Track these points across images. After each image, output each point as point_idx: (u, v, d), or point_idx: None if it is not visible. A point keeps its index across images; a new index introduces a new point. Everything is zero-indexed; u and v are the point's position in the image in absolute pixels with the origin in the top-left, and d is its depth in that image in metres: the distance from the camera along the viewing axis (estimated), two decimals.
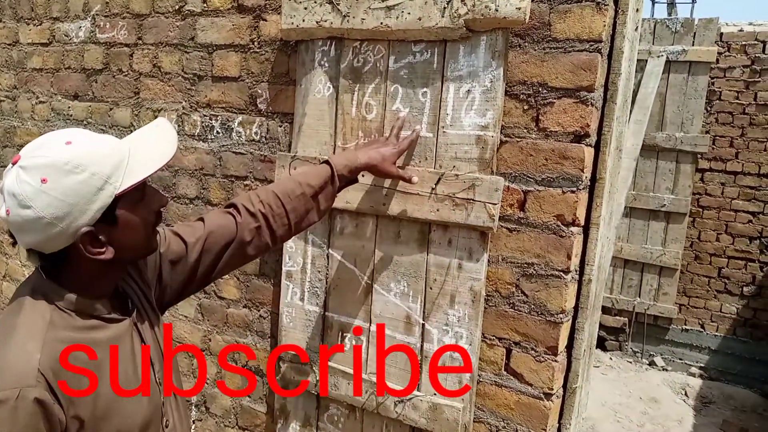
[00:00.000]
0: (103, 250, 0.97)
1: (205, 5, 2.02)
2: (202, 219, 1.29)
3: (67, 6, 2.44)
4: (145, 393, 1.07)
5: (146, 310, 1.16)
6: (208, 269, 1.28)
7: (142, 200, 1.01)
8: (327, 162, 1.39)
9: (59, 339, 0.94)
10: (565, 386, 1.59)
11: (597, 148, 1.53)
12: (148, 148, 1.01)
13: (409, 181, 1.50)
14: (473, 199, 1.49)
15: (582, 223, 1.50)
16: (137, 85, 2.24)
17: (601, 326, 4.95)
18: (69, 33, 2.45)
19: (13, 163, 0.92)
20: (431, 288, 1.58)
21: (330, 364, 1.73)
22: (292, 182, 1.35)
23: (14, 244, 0.97)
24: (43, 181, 0.89)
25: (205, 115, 2.06)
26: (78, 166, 0.91)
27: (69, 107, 2.48)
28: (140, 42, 2.21)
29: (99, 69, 2.36)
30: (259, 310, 2.00)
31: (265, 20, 1.90)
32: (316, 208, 1.37)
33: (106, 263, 0.99)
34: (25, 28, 2.63)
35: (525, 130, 1.51)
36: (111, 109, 2.33)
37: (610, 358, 5.20)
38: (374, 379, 1.65)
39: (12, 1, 2.67)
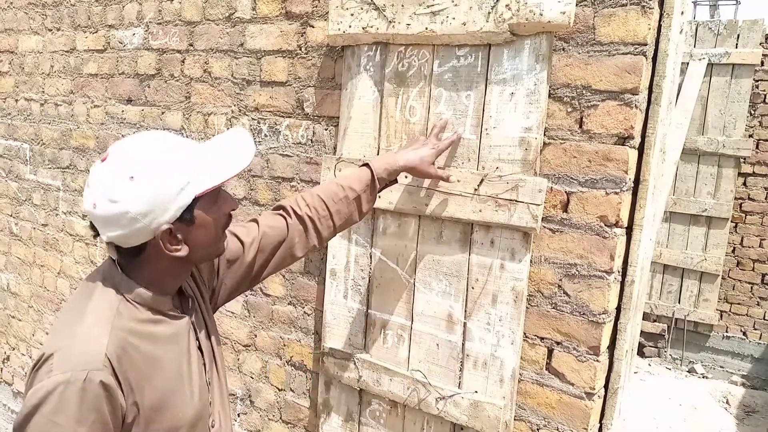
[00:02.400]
0: (179, 247, 1.03)
1: (254, 12, 2.10)
2: (255, 220, 1.35)
3: (122, 14, 2.56)
4: (197, 391, 1.12)
5: (203, 310, 1.22)
6: (260, 269, 1.34)
7: (216, 203, 1.07)
8: (367, 165, 1.44)
9: (125, 328, 1.00)
10: (606, 387, 1.60)
11: (640, 150, 1.54)
12: (227, 154, 1.07)
13: (447, 180, 1.55)
14: (516, 200, 1.52)
15: (625, 224, 1.52)
16: (188, 89, 2.33)
17: (640, 332, 4.88)
18: (123, 40, 2.56)
19: (102, 160, 0.99)
20: (473, 287, 1.62)
21: (372, 360, 1.78)
22: (336, 186, 1.41)
23: (95, 236, 1.03)
24: (132, 178, 0.96)
25: (253, 119, 2.14)
26: (164, 166, 0.98)
27: (123, 111, 2.59)
28: (191, 48, 2.30)
29: (151, 74, 2.46)
30: (303, 307, 2.06)
31: (312, 26, 1.96)
32: (358, 209, 1.43)
33: (178, 261, 1.05)
34: (81, 35, 2.76)
35: (568, 132, 1.53)
36: (163, 113, 2.43)
37: (649, 365, 5.12)
38: (416, 375, 1.69)
39: (70, 10, 2.80)
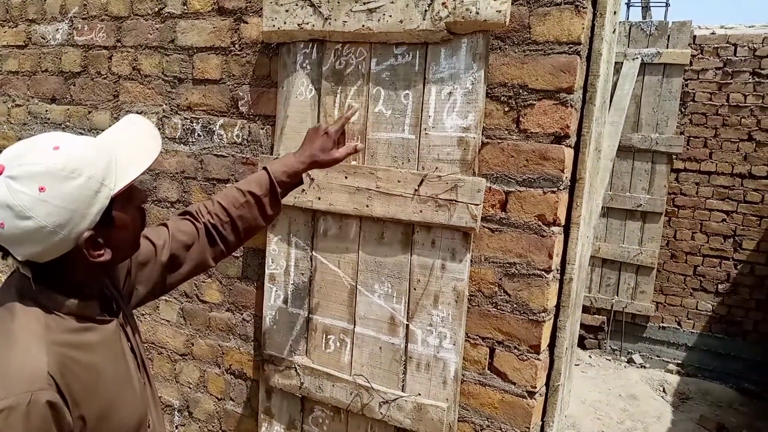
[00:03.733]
0: (102, 251, 0.96)
1: (185, 8, 2.01)
2: (164, 224, 1.30)
3: (44, 8, 2.41)
4: (138, 393, 1.07)
5: (124, 310, 1.15)
6: (173, 273, 1.29)
7: (130, 199, 1.01)
8: (265, 168, 1.41)
9: (59, 342, 0.93)
10: (547, 384, 1.61)
11: (576, 149, 1.56)
12: (132, 146, 1.00)
13: (355, 150, 1.52)
14: (456, 200, 1.51)
15: (563, 222, 1.53)
16: (116, 88, 2.22)
17: (581, 325, 5.02)
18: (46, 35, 2.42)
19: None
20: (415, 289, 1.59)
21: (314, 366, 1.73)
22: (236, 191, 1.38)
23: (4, 257, 0.94)
24: (41, 189, 0.87)
25: (186, 118, 2.05)
26: (74, 171, 0.89)
27: (46, 110, 2.45)
28: (119, 44, 2.19)
29: (77, 72, 2.33)
30: (242, 314, 1.99)
31: (246, 23, 1.89)
32: (262, 214, 1.39)
33: (99, 265, 0.98)
34: (0, 30, 2.59)
35: (506, 132, 1.53)
36: (90, 113, 2.30)
37: (590, 356, 5.27)
38: (359, 380, 1.66)
39: None
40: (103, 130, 2.23)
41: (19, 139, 2.56)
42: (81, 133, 2.34)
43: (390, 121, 1.62)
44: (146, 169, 0.99)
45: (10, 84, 2.58)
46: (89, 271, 0.99)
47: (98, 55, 2.26)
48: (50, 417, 0.87)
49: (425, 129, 1.57)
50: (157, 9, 2.07)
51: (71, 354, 0.94)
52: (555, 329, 1.59)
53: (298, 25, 1.69)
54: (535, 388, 1.52)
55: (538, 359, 1.52)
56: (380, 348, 1.65)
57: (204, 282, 2.06)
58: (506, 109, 1.53)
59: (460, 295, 1.54)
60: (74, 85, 2.34)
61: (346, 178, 1.65)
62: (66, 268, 0.96)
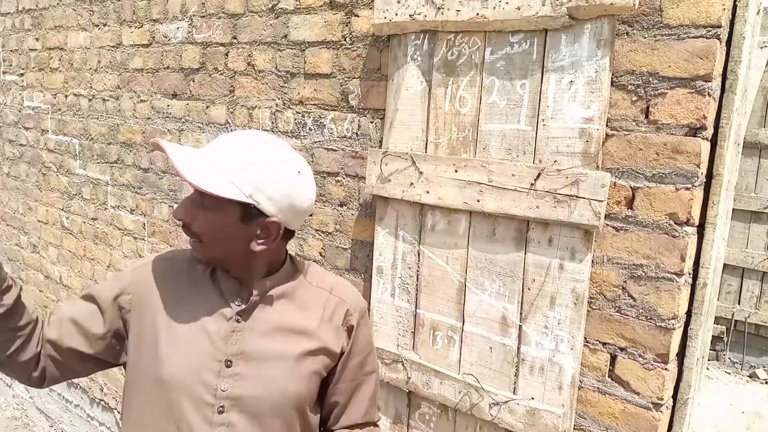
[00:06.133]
0: None
1: (297, 3, 2.04)
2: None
3: (166, 8, 2.54)
4: (191, 345, 1.10)
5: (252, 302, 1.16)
6: None
7: None
8: None
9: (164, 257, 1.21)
10: (675, 397, 1.49)
11: (713, 142, 1.42)
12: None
13: None
14: (576, 196, 1.42)
15: (696, 222, 1.39)
16: (232, 83, 2.30)
17: None
18: (168, 34, 2.55)
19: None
20: (529, 289, 1.52)
21: (421, 361, 1.71)
22: None
23: None
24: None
25: (297, 112, 2.09)
26: None
27: (168, 105, 2.58)
28: (235, 41, 2.27)
29: (196, 68, 2.44)
30: None
31: (357, 16, 1.89)
32: None
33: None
34: (127, 30, 2.77)
35: (633, 123, 1.42)
36: (207, 107, 2.41)
37: (707, 368, 4.89)
38: (468, 379, 1.61)
39: (116, 5, 2.81)
40: (219, 124, 2.33)
41: (144, 133, 2.73)
42: (199, 128, 2.45)
43: (504, 112, 1.55)
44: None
45: (136, 81, 2.75)
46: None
47: (215, 52, 2.35)
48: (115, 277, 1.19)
49: (543, 120, 1.49)
50: (271, 5, 2.12)
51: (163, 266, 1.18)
52: (685, 338, 1.46)
53: (410, 16, 1.67)
54: (662, 400, 1.41)
55: (666, 369, 1.40)
56: (490, 348, 1.59)
57: None
58: (634, 98, 1.42)
59: (580, 297, 1.45)
60: (193, 81, 2.46)
61: (456, 171, 1.60)
62: None
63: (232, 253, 1.10)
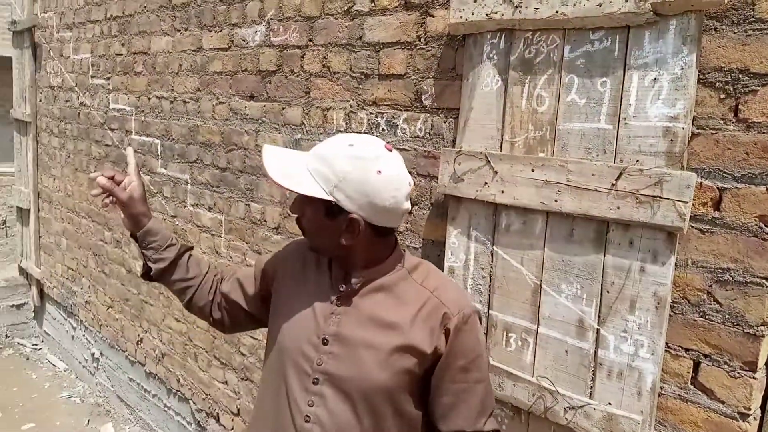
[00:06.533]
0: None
1: (372, 5, 2.08)
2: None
3: (245, 12, 2.64)
4: (296, 320, 1.28)
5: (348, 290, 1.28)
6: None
7: None
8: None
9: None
10: (763, 407, 1.42)
11: None
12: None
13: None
14: (660, 197, 1.38)
15: None
16: (307, 85, 2.36)
17: None
18: (246, 38, 2.65)
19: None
20: (608, 291, 1.49)
21: (494, 363, 1.70)
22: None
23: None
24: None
25: (371, 113, 2.12)
26: None
27: (245, 107, 2.68)
28: (311, 43, 2.33)
29: (272, 71, 2.52)
30: None
31: (432, 16, 1.90)
32: None
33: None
34: (207, 34, 2.89)
35: (721, 122, 1.37)
36: (283, 109, 2.48)
37: None
38: (543, 382, 1.59)
39: (197, 11, 2.94)
40: (294, 125, 2.39)
41: (222, 133, 2.84)
42: (276, 128, 2.53)
43: (584, 111, 1.53)
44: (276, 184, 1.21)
45: (215, 83, 2.86)
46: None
47: (291, 55, 2.42)
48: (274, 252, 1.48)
49: (625, 118, 1.45)
50: (346, 7, 2.17)
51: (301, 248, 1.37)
52: None
53: (487, 15, 1.66)
54: (749, 410, 1.35)
55: (754, 378, 1.34)
56: (566, 351, 1.57)
57: None
58: (722, 96, 1.37)
59: (662, 301, 1.41)
60: (270, 83, 2.54)
61: (533, 170, 1.59)
62: None
63: (328, 245, 1.23)
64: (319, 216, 1.19)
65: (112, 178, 1.39)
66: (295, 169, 1.18)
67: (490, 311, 1.74)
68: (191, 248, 1.52)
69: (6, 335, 5.23)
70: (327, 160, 1.16)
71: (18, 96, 5.12)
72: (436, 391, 1.24)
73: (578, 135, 1.54)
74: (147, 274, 1.48)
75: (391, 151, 1.19)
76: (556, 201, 1.54)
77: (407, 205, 1.20)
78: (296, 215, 1.27)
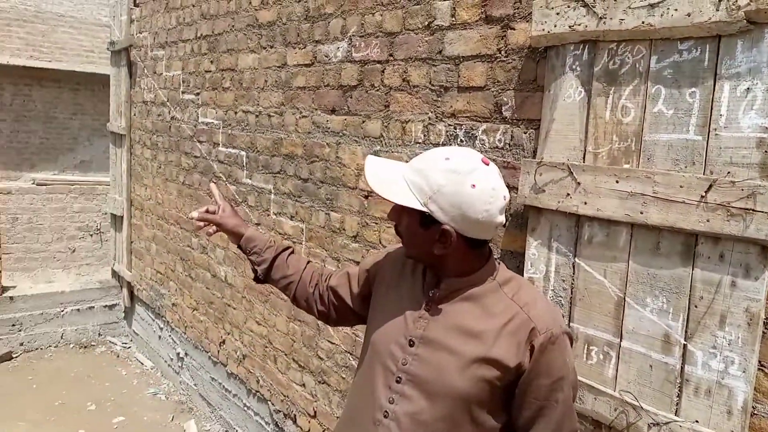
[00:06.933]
0: None
1: (453, 19, 2.12)
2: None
3: (328, 29, 2.75)
4: (389, 321, 1.34)
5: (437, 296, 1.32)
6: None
7: None
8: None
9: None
10: None
11: None
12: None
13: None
14: (753, 210, 1.33)
15: None
16: (387, 98, 2.43)
17: None
18: (328, 54, 2.75)
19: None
20: (696, 306, 1.45)
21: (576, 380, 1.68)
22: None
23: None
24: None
25: (449, 125, 2.16)
26: None
27: (327, 121, 2.78)
28: (391, 58, 2.40)
29: (353, 85, 2.61)
30: None
31: (513, 29, 1.92)
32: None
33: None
34: (291, 51, 3.02)
35: None
36: (363, 122, 2.56)
37: None
38: (626, 397, 1.56)
39: (282, 29, 3.09)
40: (374, 137, 2.46)
41: (305, 146, 2.96)
42: (355, 141, 2.61)
43: (671, 122, 1.50)
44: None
45: (298, 98, 2.99)
46: None
47: (372, 69, 2.50)
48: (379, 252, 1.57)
49: (715, 129, 1.42)
50: (427, 23, 2.22)
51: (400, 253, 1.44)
52: None
53: (570, 27, 1.67)
54: None
55: None
56: (650, 366, 1.54)
57: None
58: None
59: (754, 317, 1.36)
60: (351, 98, 2.63)
61: (617, 182, 1.57)
62: None
63: (421, 253, 1.29)
64: (414, 225, 1.25)
65: (205, 212, 1.64)
66: (393, 179, 1.25)
67: (571, 323, 1.72)
68: (289, 248, 1.66)
69: (99, 333, 5.60)
70: (423, 172, 1.21)
71: (114, 111, 5.50)
72: (518, 403, 1.25)
73: (665, 146, 1.51)
74: (257, 279, 1.66)
75: (488, 164, 1.23)
76: (641, 213, 1.52)
77: (501, 218, 1.23)
78: (394, 222, 1.34)
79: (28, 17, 11.11)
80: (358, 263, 1.63)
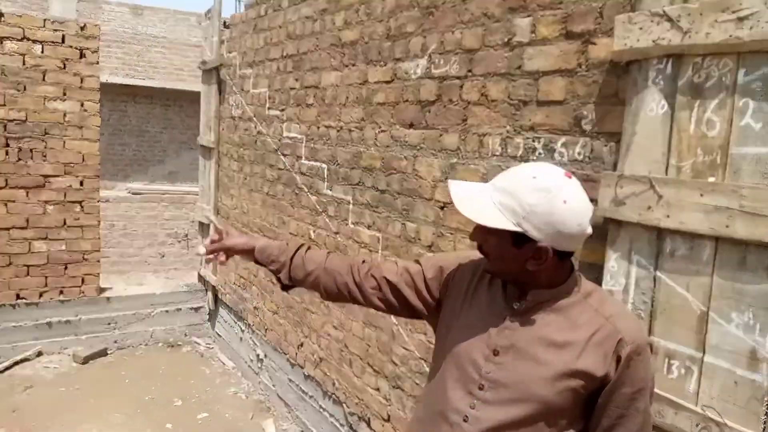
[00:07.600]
0: None
1: (533, 35, 2.16)
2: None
3: (408, 47, 2.85)
4: (466, 336, 1.36)
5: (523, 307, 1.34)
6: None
7: None
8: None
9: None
10: None
11: None
12: None
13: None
14: None
15: None
16: (465, 113, 2.49)
17: None
18: (408, 71, 2.85)
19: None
20: None
21: (655, 390, 1.67)
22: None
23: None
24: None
25: (527, 138, 2.20)
26: None
27: (405, 135, 2.88)
28: (469, 74, 2.46)
29: (432, 101, 2.69)
30: None
31: (594, 44, 1.94)
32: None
33: None
34: (372, 69, 3.15)
35: None
36: (441, 136, 2.64)
37: None
38: (709, 413, 1.54)
39: (363, 48, 3.22)
40: (450, 150, 2.53)
41: (383, 159, 3.06)
42: (432, 154, 2.69)
43: (760, 135, 1.48)
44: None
45: (378, 113, 3.10)
46: None
47: (450, 85, 2.57)
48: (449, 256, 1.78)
49: None
50: (506, 39, 2.27)
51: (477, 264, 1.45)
52: None
53: (653, 41, 1.68)
54: None
55: None
56: (735, 382, 1.51)
57: None
58: None
59: None
60: (429, 112, 2.71)
61: (701, 195, 1.56)
62: None
63: (512, 270, 1.30)
64: (506, 245, 1.26)
65: (210, 242, 1.68)
66: (482, 203, 1.26)
67: (651, 336, 1.71)
68: (303, 245, 1.64)
69: (185, 334, 5.92)
70: (512, 192, 1.22)
71: (204, 125, 5.85)
72: (599, 411, 1.28)
73: (753, 160, 1.49)
74: (284, 286, 1.66)
75: (570, 177, 1.25)
76: (727, 226, 1.51)
77: (590, 229, 1.26)
78: (478, 243, 1.34)
79: (126, 39, 12.00)
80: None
